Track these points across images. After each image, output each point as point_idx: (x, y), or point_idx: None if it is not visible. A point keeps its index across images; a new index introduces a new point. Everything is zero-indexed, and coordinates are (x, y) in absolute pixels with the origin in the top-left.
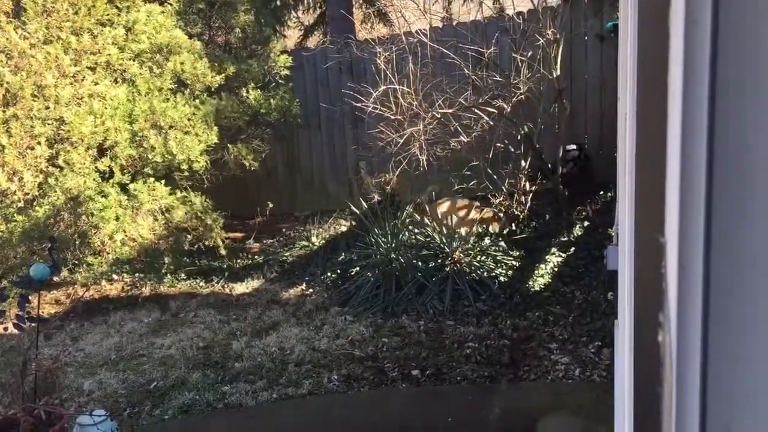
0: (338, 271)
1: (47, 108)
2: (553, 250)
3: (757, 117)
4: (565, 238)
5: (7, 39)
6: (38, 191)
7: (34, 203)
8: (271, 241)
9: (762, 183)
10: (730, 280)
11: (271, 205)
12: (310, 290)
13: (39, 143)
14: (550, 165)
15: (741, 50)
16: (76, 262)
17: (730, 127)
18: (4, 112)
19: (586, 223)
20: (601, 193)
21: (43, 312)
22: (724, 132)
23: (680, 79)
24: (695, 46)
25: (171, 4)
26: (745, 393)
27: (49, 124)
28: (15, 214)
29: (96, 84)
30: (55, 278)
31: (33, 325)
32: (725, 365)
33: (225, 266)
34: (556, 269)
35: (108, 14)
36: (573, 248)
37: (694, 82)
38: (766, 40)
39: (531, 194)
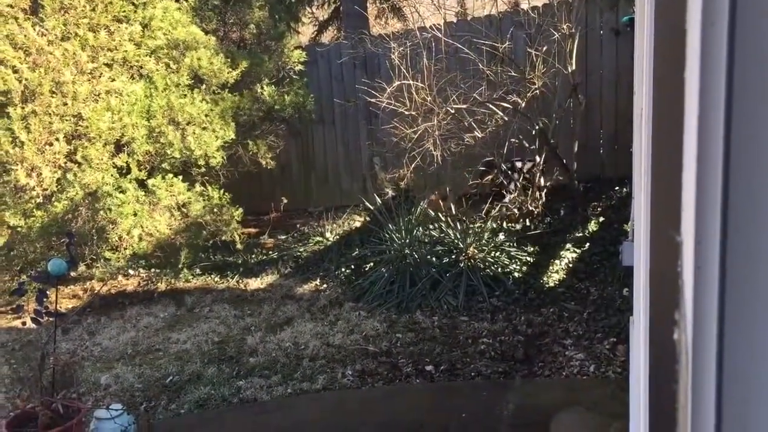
0: (352, 267)
1: (65, 104)
2: (568, 245)
3: None
4: (580, 234)
5: (26, 36)
6: (56, 187)
7: (53, 199)
8: (286, 236)
9: None
10: (746, 280)
11: (285, 201)
12: (324, 285)
13: (57, 139)
14: (564, 160)
15: (758, 50)
16: (94, 257)
17: (746, 126)
18: (23, 108)
19: (601, 219)
20: (617, 188)
21: (60, 306)
22: (741, 131)
23: (697, 78)
24: (712, 46)
25: (186, 1)
26: (761, 391)
27: (67, 120)
28: (34, 210)
29: (113, 80)
30: (73, 273)
31: (51, 319)
32: (741, 363)
33: (240, 261)
34: (570, 265)
35: (124, 11)
36: (588, 244)
37: (711, 80)
38: None
39: (545, 189)
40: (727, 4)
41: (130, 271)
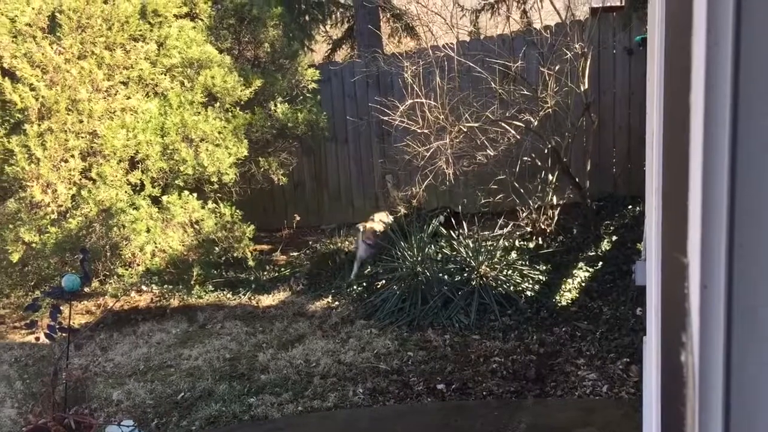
0: (364, 284)
1: (81, 122)
2: (581, 264)
3: None
4: (593, 253)
5: (43, 54)
6: (71, 203)
7: (67, 215)
8: (298, 253)
9: None
10: (753, 302)
11: (297, 218)
12: (336, 303)
13: (73, 156)
14: (577, 179)
15: (762, 71)
16: (107, 273)
17: (752, 149)
18: (39, 125)
19: (614, 238)
20: (629, 207)
21: (73, 322)
22: (746, 154)
23: (702, 100)
24: (716, 68)
25: (202, 20)
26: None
27: (82, 137)
28: (48, 226)
29: (128, 98)
30: (86, 289)
31: (64, 335)
32: (748, 387)
33: (252, 278)
34: (583, 284)
35: (140, 30)
36: (600, 263)
37: (716, 103)
38: None
39: (558, 208)
40: (731, 25)
41: (143, 287)
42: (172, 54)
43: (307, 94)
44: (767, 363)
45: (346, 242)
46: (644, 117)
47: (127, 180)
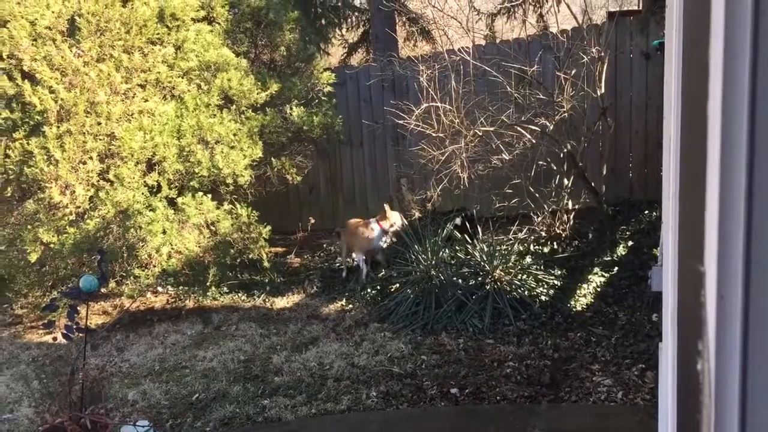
0: (378, 287)
1: (99, 124)
2: (596, 269)
3: None
4: (608, 258)
5: (62, 57)
6: (89, 204)
7: (85, 216)
8: (312, 256)
9: None
10: None
11: (312, 221)
12: (350, 306)
13: (91, 158)
14: (593, 183)
15: None
16: (124, 274)
17: None
18: (58, 127)
19: (630, 243)
20: (646, 212)
21: (90, 323)
22: (764, 165)
23: (719, 110)
24: (734, 79)
25: (219, 24)
26: None
27: (100, 139)
28: (66, 227)
29: (146, 101)
30: (103, 290)
31: (81, 335)
32: (764, 396)
33: (266, 280)
34: (598, 289)
35: (158, 33)
36: (616, 268)
37: (733, 114)
38: None
39: (573, 213)
40: (749, 37)
41: (159, 289)
42: (189, 57)
43: (323, 98)
44: None
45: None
46: (661, 121)
47: (144, 182)
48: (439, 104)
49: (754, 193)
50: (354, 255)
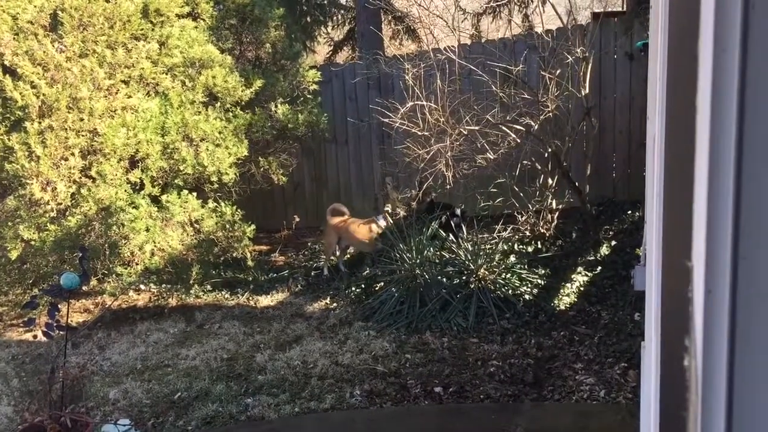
0: (362, 286)
1: (81, 120)
2: (579, 269)
3: None
4: (592, 257)
5: (45, 52)
6: (71, 201)
7: (67, 213)
8: (296, 254)
9: None
10: (758, 306)
11: (297, 219)
12: (334, 304)
13: (73, 154)
14: (577, 183)
15: None
16: (106, 271)
17: (758, 153)
18: (40, 123)
19: (613, 243)
20: (629, 212)
21: (71, 321)
22: (754, 158)
23: (708, 104)
24: (724, 73)
25: (204, 20)
26: None
27: (83, 135)
28: (48, 224)
29: (129, 97)
30: (85, 287)
31: (61, 333)
32: (752, 392)
33: (250, 278)
34: (581, 288)
35: (142, 29)
36: (599, 267)
37: (723, 108)
38: None
39: (557, 212)
40: (739, 31)
41: (141, 287)
42: (173, 53)
43: (308, 95)
44: None
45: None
46: (644, 122)
47: (127, 179)
48: (424, 103)
49: (743, 186)
50: (351, 251)
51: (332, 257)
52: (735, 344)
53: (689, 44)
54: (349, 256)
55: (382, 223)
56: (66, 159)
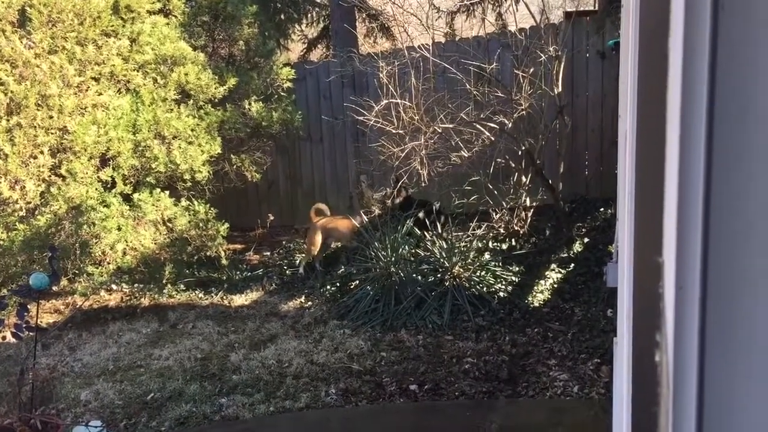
0: (337, 284)
1: (51, 117)
2: (553, 266)
3: (755, 141)
4: (565, 255)
5: (12, 48)
6: (40, 200)
7: (36, 212)
8: (271, 253)
9: (760, 203)
10: (727, 301)
11: (271, 218)
12: (309, 303)
13: (42, 152)
14: (550, 181)
15: (739, 75)
16: (76, 271)
17: (728, 150)
18: (8, 120)
19: (586, 240)
20: (601, 209)
21: (41, 321)
22: (723, 155)
23: (678, 103)
24: (693, 72)
25: (175, 17)
26: (742, 415)
27: (52, 133)
28: (16, 223)
29: (100, 94)
30: (55, 288)
31: (31, 334)
32: (722, 386)
33: (224, 278)
34: (555, 285)
35: (113, 25)
36: (573, 264)
37: (693, 104)
38: (765, 64)
39: (531, 210)
40: (708, 30)
41: (113, 286)
42: (145, 50)
43: (282, 93)
44: (741, 362)
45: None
46: (616, 120)
47: (98, 177)
48: (398, 101)
49: (713, 183)
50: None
51: (313, 256)
52: (705, 339)
53: (659, 43)
54: (324, 254)
55: (360, 220)
56: (35, 157)
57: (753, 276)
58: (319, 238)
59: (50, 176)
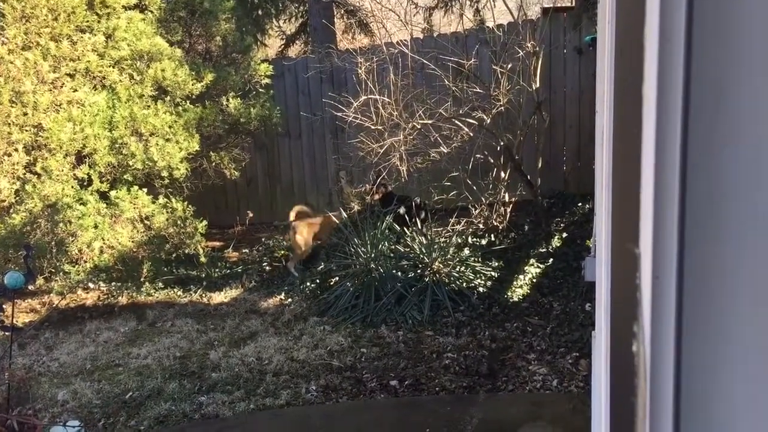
0: (317, 281)
1: (25, 114)
2: (532, 260)
3: (730, 132)
4: (544, 249)
5: None
6: (15, 198)
7: (11, 210)
8: (250, 250)
9: (735, 195)
10: (703, 291)
11: (250, 215)
12: (289, 300)
13: (16, 150)
14: (529, 176)
15: (714, 67)
16: (53, 270)
17: (703, 141)
18: None
19: (564, 235)
20: (579, 204)
21: (17, 321)
22: (698, 146)
23: (654, 94)
24: (669, 63)
25: (152, 12)
26: (719, 404)
27: (27, 130)
28: None
29: (75, 91)
30: (31, 286)
31: (6, 333)
32: (699, 375)
33: (203, 275)
34: (534, 280)
35: (88, 21)
36: (551, 259)
37: (668, 97)
38: (739, 57)
39: (510, 205)
40: (683, 21)
41: (90, 285)
42: (120, 46)
43: (260, 89)
44: (718, 352)
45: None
46: (593, 116)
47: (74, 174)
48: (377, 97)
49: (688, 174)
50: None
51: (301, 256)
52: (682, 329)
53: (635, 35)
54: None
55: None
56: (9, 155)
57: (728, 265)
58: (309, 237)
59: (25, 174)
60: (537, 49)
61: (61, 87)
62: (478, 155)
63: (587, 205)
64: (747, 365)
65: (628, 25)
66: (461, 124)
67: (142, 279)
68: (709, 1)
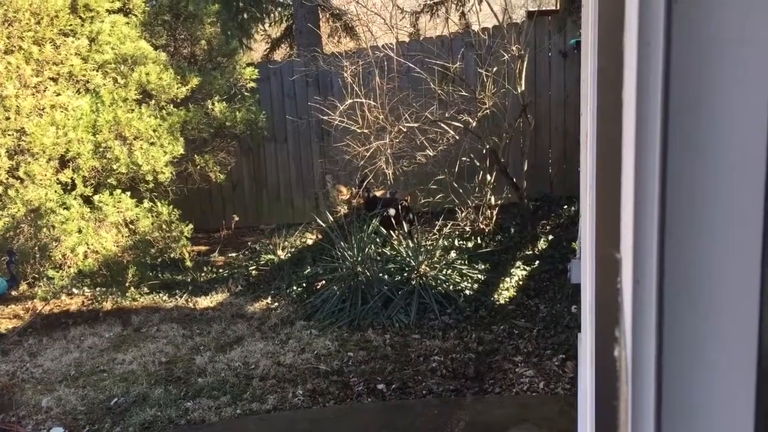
0: (304, 285)
1: (8, 119)
2: (518, 263)
3: (708, 136)
4: (530, 252)
5: None
6: None
7: None
8: (236, 254)
9: (714, 199)
10: (683, 295)
11: (236, 218)
12: (276, 304)
13: None
14: (514, 179)
15: (692, 70)
16: (36, 275)
17: (682, 146)
18: None
19: (550, 237)
20: (565, 207)
21: (0, 327)
22: (677, 151)
23: (633, 98)
24: (648, 67)
25: (136, 15)
26: (699, 408)
27: (9, 134)
28: None
29: (58, 95)
30: (14, 292)
31: None
32: (680, 379)
33: (189, 280)
34: (520, 282)
35: (71, 25)
36: (537, 262)
37: (647, 100)
38: (718, 60)
39: (496, 208)
40: (662, 24)
41: (75, 290)
42: (104, 50)
43: (246, 93)
44: (698, 356)
45: (286, 242)
46: (579, 119)
47: (58, 179)
48: (363, 100)
49: (668, 179)
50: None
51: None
52: (663, 333)
53: (615, 38)
54: (289, 254)
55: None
56: None
57: (708, 269)
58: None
59: (7, 178)
60: (522, 52)
61: (44, 91)
62: (464, 158)
63: (573, 208)
64: (727, 369)
65: (608, 29)
66: (447, 128)
67: (127, 284)
68: (687, 6)
